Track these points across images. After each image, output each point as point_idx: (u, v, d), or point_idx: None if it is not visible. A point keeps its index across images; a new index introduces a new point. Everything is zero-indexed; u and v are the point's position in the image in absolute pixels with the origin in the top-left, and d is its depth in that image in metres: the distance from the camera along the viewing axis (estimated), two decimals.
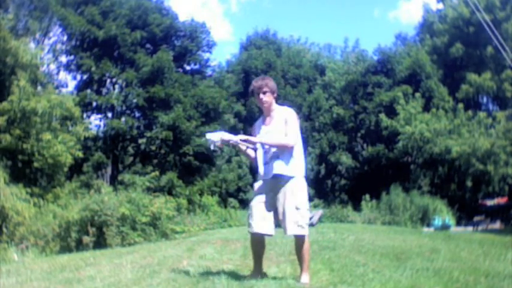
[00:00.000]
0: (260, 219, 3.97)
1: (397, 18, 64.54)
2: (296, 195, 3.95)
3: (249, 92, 4.46)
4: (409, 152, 24.41)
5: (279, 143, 4.00)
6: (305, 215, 3.97)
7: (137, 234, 10.12)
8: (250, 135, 4.29)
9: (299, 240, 3.97)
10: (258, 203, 4.03)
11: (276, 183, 3.99)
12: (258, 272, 4.14)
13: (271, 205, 4.00)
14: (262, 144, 4.11)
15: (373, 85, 27.57)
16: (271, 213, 4.00)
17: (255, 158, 4.18)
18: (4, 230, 11.96)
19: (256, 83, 4.19)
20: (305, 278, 3.96)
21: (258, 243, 4.10)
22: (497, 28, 17.86)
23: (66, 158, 15.64)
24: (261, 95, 4.11)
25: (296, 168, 4.02)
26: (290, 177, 3.97)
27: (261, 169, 4.10)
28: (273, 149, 4.03)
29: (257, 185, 4.18)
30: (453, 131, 23.09)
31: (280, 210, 3.96)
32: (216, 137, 4.14)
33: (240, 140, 4.16)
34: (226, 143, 4.16)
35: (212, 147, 4.31)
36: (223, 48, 68.67)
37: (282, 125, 4.07)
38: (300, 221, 3.91)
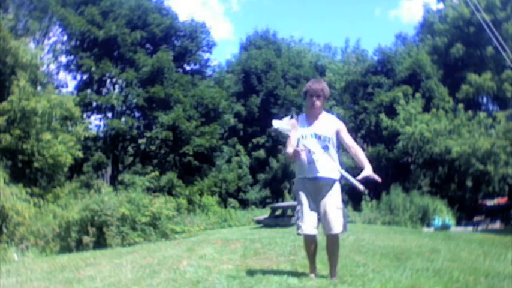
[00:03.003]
0: (310, 220, 4.13)
1: (398, 17, 64.55)
2: (337, 196, 4.17)
3: (301, 93, 4.58)
4: (409, 152, 24.39)
5: (363, 155, 4.30)
6: (342, 214, 4.20)
7: (137, 234, 10.13)
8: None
9: (335, 238, 4.17)
10: (305, 204, 4.16)
11: (319, 184, 4.14)
12: (314, 270, 4.32)
13: (315, 205, 4.16)
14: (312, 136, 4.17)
15: (373, 85, 27.55)
16: (316, 214, 4.16)
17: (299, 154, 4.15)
18: (4, 230, 11.95)
19: (313, 85, 4.25)
20: (334, 275, 4.21)
21: (312, 243, 4.25)
22: (497, 28, 17.87)
23: (66, 158, 15.63)
24: (315, 98, 4.18)
25: (336, 172, 4.24)
26: (334, 180, 4.18)
27: (302, 168, 4.20)
28: (318, 151, 4.13)
29: (299, 185, 4.25)
30: (453, 131, 23.07)
31: (322, 210, 4.13)
32: (285, 125, 4.23)
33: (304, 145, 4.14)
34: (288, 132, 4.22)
35: (281, 131, 4.31)
36: (224, 48, 68.66)
37: (331, 133, 4.19)
38: (342, 220, 4.16)
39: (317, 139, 4.17)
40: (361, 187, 4.12)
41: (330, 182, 4.16)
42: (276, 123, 4.29)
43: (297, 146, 4.14)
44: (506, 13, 25.18)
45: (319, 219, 4.18)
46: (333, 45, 38.79)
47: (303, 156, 4.10)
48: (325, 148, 4.18)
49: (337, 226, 4.12)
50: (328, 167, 4.14)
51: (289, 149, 4.22)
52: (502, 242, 8.87)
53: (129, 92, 25.41)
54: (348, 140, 4.28)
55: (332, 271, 4.24)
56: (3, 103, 14.98)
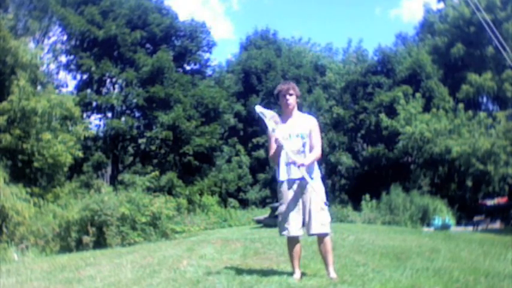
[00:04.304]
0: (294, 222, 4.21)
1: (398, 17, 64.43)
2: (319, 196, 4.19)
3: (274, 95, 4.64)
4: (409, 152, 24.38)
5: (315, 158, 4.27)
6: (328, 215, 4.26)
7: (137, 234, 10.14)
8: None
9: (325, 238, 4.23)
10: (288, 206, 4.24)
11: (300, 185, 4.23)
12: (299, 272, 4.32)
13: (297, 207, 4.24)
14: (290, 136, 4.31)
15: (373, 85, 27.55)
16: (299, 215, 4.23)
17: (278, 155, 4.34)
18: (4, 230, 11.95)
19: (283, 85, 4.49)
20: (333, 274, 4.21)
21: (296, 244, 4.30)
22: (497, 28, 17.86)
23: (66, 158, 15.64)
24: (288, 96, 4.38)
25: (316, 172, 4.33)
26: (312, 180, 4.21)
27: (282, 171, 4.32)
28: (294, 151, 4.23)
29: (283, 188, 4.33)
30: (453, 131, 23.06)
31: (306, 212, 4.20)
32: (267, 114, 4.38)
33: (276, 138, 4.28)
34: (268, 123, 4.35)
35: (262, 117, 4.44)
36: (225, 47, 68.52)
37: (304, 131, 4.31)
38: (325, 220, 4.21)
39: (295, 137, 4.31)
40: (308, 179, 4.15)
41: (308, 182, 4.19)
42: (259, 108, 4.48)
43: (276, 141, 4.27)
44: (506, 13, 25.17)
45: (303, 221, 4.24)
46: (334, 45, 38.83)
47: (281, 143, 4.20)
48: (303, 145, 4.31)
49: (323, 227, 4.19)
50: (306, 168, 4.18)
51: (271, 151, 4.41)
52: (502, 242, 8.87)
53: (129, 91, 25.42)
54: (315, 139, 4.33)
55: (329, 270, 4.24)
56: (3, 103, 14.98)
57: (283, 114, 4.45)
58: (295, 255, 4.31)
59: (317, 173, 4.34)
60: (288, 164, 4.27)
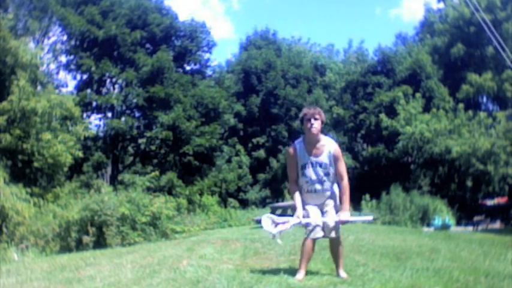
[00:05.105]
0: (318, 226, 4.28)
1: (398, 17, 64.46)
2: (335, 206, 4.37)
3: (299, 118, 4.57)
4: (409, 152, 24.39)
5: (347, 197, 4.32)
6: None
7: (137, 234, 10.13)
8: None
9: (339, 240, 4.35)
10: (312, 210, 4.32)
11: (321, 196, 4.36)
12: (304, 272, 4.34)
13: (318, 211, 4.35)
14: (313, 164, 4.35)
15: (373, 85, 27.57)
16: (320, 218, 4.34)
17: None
18: (4, 230, 11.94)
19: (309, 109, 4.41)
20: (343, 273, 4.32)
21: (313, 246, 4.36)
22: (497, 28, 17.89)
23: (66, 158, 15.64)
24: (313, 121, 4.30)
25: (335, 186, 4.43)
26: (334, 194, 4.39)
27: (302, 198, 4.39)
28: (315, 178, 4.33)
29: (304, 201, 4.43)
30: (453, 131, 23.07)
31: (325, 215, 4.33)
32: (274, 229, 4.32)
33: (300, 219, 4.31)
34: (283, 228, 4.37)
35: (274, 237, 4.40)
36: (225, 47, 68.59)
37: (327, 160, 4.33)
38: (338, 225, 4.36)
39: (318, 167, 4.32)
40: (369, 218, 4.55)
41: (329, 194, 4.39)
42: (266, 227, 4.39)
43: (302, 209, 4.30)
44: (506, 13, 25.18)
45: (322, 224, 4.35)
46: (335, 45, 38.80)
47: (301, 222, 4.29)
48: (326, 175, 4.33)
49: (337, 230, 4.34)
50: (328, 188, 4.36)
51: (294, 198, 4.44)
52: (502, 242, 8.86)
53: (129, 91, 25.42)
54: (341, 168, 4.37)
55: (339, 271, 4.35)
56: (3, 103, 14.98)
57: (307, 139, 4.39)
58: (308, 256, 4.35)
59: (336, 188, 4.44)
60: (314, 181, 4.35)
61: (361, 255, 5.91)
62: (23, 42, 16.66)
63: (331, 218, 4.26)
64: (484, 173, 21.40)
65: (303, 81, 29.75)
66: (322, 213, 4.34)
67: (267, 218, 4.40)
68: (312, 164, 4.30)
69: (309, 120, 4.29)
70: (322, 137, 4.38)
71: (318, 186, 4.31)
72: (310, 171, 4.30)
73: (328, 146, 4.34)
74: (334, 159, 4.31)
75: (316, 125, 4.29)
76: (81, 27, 23.70)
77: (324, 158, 4.30)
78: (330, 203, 4.35)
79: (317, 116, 4.30)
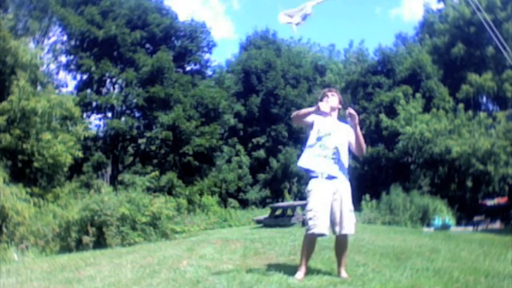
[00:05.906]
0: (323, 220, 4.20)
1: (398, 17, 64.41)
2: (349, 198, 4.33)
3: (318, 99, 4.67)
4: (409, 152, 24.38)
5: (363, 142, 4.45)
6: (354, 216, 4.40)
7: (137, 234, 10.12)
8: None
9: (346, 238, 4.36)
10: (320, 204, 4.23)
11: (333, 184, 4.27)
12: (305, 270, 4.32)
13: (328, 206, 4.25)
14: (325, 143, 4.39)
15: (373, 85, 27.55)
16: (328, 214, 4.26)
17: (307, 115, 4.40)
18: (4, 230, 11.95)
19: (327, 89, 4.74)
20: (344, 273, 4.33)
21: (314, 243, 4.35)
22: (498, 28, 17.82)
23: (66, 158, 15.64)
24: (330, 96, 4.53)
25: (348, 174, 4.43)
26: (346, 181, 4.34)
27: (315, 163, 4.32)
28: (334, 149, 4.35)
29: (315, 185, 4.30)
30: (453, 131, 23.06)
31: (337, 211, 4.25)
32: (295, 19, 4.16)
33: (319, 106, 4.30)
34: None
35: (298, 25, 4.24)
36: (225, 47, 68.49)
37: (341, 141, 4.42)
38: (354, 220, 4.35)
39: (335, 138, 4.42)
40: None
41: (342, 182, 4.32)
42: (284, 18, 4.14)
43: (317, 109, 4.27)
44: (506, 13, 25.15)
45: (332, 221, 4.29)
46: (336, 45, 38.77)
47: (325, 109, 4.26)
48: (336, 153, 4.37)
49: (350, 227, 4.30)
50: (342, 167, 4.33)
51: (303, 111, 4.52)
52: (502, 242, 8.85)
53: (129, 91, 25.42)
54: (360, 140, 4.50)
55: (341, 270, 4.35)
56: (3, 103, 14.99)
57: (326, 115, 4.47)
58: (309, 254, 4.35)
59: (348, 176, 4.42)
60: (320, 156, 4.32)
61: (361, 255, 5.90)
62: (23, 42, 16.67)
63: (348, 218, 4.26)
64: (484, 173, 21.39)
65: (303, 81, 29.75)
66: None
67: (283, 15, 4.18)
68: (326, 135, 4.42)
69: (327, 95, 4.57)
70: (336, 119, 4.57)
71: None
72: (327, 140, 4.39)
73: (345, 126, 4.56)
74: (347, 140, 4.51)
75: (332, 99, 4.55)
76: (81, 27, 23.69)
77: (340, 129, 4.51)
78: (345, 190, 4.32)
79: (334, 93, 4.60)
